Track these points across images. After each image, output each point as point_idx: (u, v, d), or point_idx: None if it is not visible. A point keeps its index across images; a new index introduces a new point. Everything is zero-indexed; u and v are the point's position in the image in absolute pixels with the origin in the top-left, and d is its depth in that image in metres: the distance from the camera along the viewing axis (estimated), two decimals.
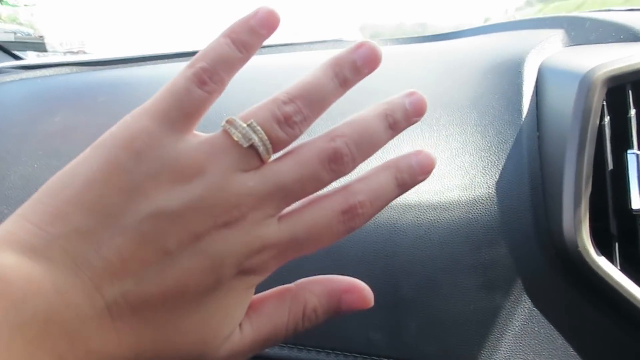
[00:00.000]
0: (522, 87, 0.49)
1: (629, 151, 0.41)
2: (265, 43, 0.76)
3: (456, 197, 0.44)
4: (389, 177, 0.29)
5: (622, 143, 0.42)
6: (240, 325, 0.28)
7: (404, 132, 0.47)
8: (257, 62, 0.68)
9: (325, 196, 0.28)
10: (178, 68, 0.66)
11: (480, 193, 0.44)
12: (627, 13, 0.57)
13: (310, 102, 0.27)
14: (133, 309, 0.24)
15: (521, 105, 0.48)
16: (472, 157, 0.46)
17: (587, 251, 0.40)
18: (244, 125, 0.26)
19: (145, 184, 0.24)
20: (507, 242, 0.43)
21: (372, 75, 0.58)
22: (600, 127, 0.42)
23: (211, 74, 0.26)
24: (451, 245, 0.43)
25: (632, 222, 0.41)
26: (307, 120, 0.27)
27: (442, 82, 0.53)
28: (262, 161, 0.26)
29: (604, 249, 0.41)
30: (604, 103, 0.42)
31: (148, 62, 0.73)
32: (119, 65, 0.72)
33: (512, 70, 0.51)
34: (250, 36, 0.27)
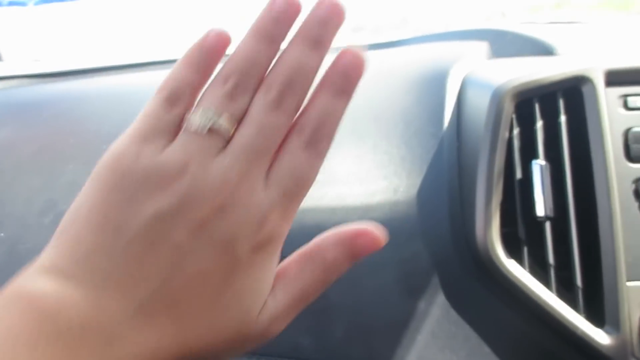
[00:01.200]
0: (445, 99, 0.52)
1: (534, 161, 0.44)
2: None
3: (380, 203, 0.47)
4: (326, 95, 0.30)
5: (531, 153, 0.45)
6: (272, 292, 0.30)
7: (333, 145, 0.49)
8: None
9: (286, 142, 0.30)
10: (128, 80, 0.67)
11: (402, 200, 0.47)
12: (546, 26, 0.60)
13: (246, 70, 0.29)
14: (163, 306, 0.26)
15: (444, 116, 0.51)
16: (396, 167, 0.49)
17: (497, 255, 0.43)
18: (197, 116, 0.28)
19: (139, 195, 0.27)
20: (427, 247, 0.46)
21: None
22: (510, 139, 0.44)
23: (176, 98, 0.29)
24: (376, 253, 0.45)
25: (540, 226, 0.44)
26: (250, 88, 0.29)
27: (374, 91, 0.55)
28: (226, 139, 0.29)
29: (516, 252, 0.44)
30: (514, 116, 0.45)
31: (98, 74, 0.74)
32: (70, 77, 0.73)
33: (437, 82, 0.53)
34: (206, 58, 0.30)
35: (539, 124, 0.45)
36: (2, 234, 0.47)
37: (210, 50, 0.30)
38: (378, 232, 0.31)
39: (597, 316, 0.42)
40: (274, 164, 0.29)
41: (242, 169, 0.28)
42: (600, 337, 0.41)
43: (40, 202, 0.48)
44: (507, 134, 0.44)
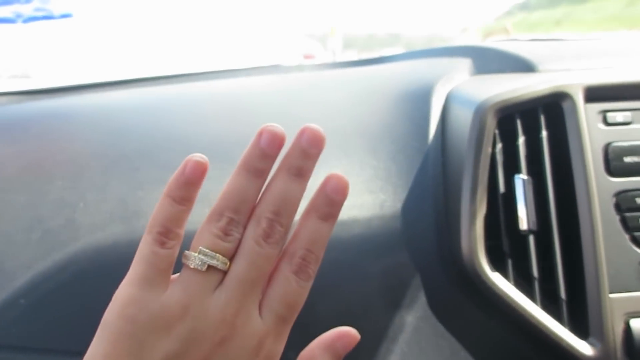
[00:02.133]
0: (429, 115, 0.53)
1: (516, 176, 0.44)
2: (206, 70, 0.77)
3: (366, 217, 0.47)
4: (313, 220, 0.33)
5: (514, 168, 0.45)
6: None
7: (321, 161, 0.50)
8: (190, 90, 0.70)
9: (276, 270, 0.33)
10: (115, 97, 0.68)
11: (388, 214, 0.47)
12: (527, 43, 0.61)
13: (237, 207, 0.32)
14: None
15: (429, 132, 0.52)
16: (382, 182, 0.49)
17: (482, 268, 0.43)
18: (196, 254, 0.31)
19: (147, 340, 0.30)
20: (412, 260, 0.46)
21: (294, 103, 0.61)
22: (493, 153, 0.45)
23: (167, 234, 0.31)
24: (360, 265, 0.46)
25: (524, 240, 0.44)
26: (242, 222, 0.32)
27: (360, 108, 0.56)
28: (223, 273, 0.32)
29: (500, 265, 0.44)
30: (496, 131, 0.45)
31: (85, 91, 0.74)
32: (58, 94, 0.73)
33: (422, 98, 0.54)
34: (186, 190, 0.32)
35: (521, 139, 0.45)
36: None
37: (191, 182, 0.32)
38: (353, 332, 0.35)
39: (581, 328, 0.43)
40: (267, 290, 0.32)
41: (238, 302, 0.31)
42: (585, 348, 0.42)
43: (27, 219, 0.48)
44: (490, 149, 0.45)
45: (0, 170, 0.54)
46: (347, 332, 0.35)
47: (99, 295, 0.45)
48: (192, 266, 0.31)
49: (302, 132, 0.33)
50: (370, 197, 0.48)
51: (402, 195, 0.48)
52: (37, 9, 0.89)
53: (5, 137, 0.58)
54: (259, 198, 0.33)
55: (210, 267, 0.31)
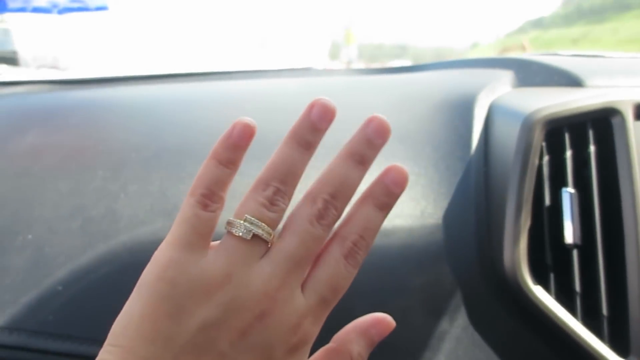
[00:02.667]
0: (472, 124, 0.52)
1: (563, 189, 0.44)
2: (236, 69, 0.77)
3: (407, 224, 0.47)
4: (370, 207, 0.33)
5: (560, 181, 0.45)
6: None
7: None
8: (227, 88, 0.70)
9: (326, 251, 0.32)
10: (150, 90, 0.68)
11: (429, 222, 0.47)
12: (571, 58, 0.61)
13: (284, 177, 0.32)
14: None
15: (471, 141, 0.51)
16: (423, 189, 0.49)
17: (525, 280, 0.43)
18: (242, 222, 0.30)
19: (186, 304, 0.29)
20: (452, 270, 0.46)
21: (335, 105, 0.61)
22: (540, 166, 0.45)
23: (211, 196, 0.31)
24: (401, 271, 0.46)
25: (566, 253, 0.44)
26: (288, 193, 0.32)
27: (400, 114, 0.56)
28: (267, 243, 0.31)
29: (543, 280, 0.44)
30: (544, 144, 0.45)
31: (120, 83, 0.75)
32: (92, 85, 0.74)
33: (465, 108, 0.54)
34: (233, 152, 0.31)
35: (569, 153, 0.45)
36: (30, 236, 0.47)
37: (238, 145, 0.31)
38: (389, 319, 0.34)
39: (621, 345, 0.42)
40: (313, 270, 0.32)
41: (282, 277, 0.30)
42: None
43: (68, 206, 0.48)
44: (536, 161, 0.45)
45: (42, 159, 0.54)
46: (383, 319, 0.34)
47: None
48: (237, 234, 0.30)
49: (370, 121, 0.34)
50: (411, 204, 0.48)
51: (443, 203, 0.48)
52: (73, 0, 0.90)
53: (45, 125, 0.59)
54: (317, 178, 0.33)
55: (254, 236, 0.30)
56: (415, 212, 0.48)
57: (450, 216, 0.48)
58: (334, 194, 0.32)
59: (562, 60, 0.58)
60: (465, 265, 0.46)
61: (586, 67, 0.54)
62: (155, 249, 0.46)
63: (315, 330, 0.32)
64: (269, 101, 0.62)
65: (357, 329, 0.34)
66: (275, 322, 0.30)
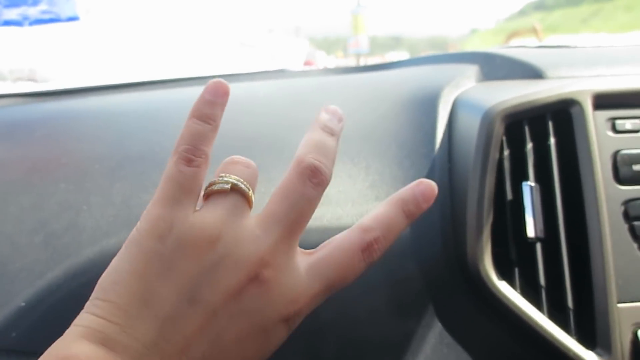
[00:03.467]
0: (437, 121, 0.52)
1: (524, 183, 0.44)
2: (209, 74, 0.77)
3: None
4: (397, 210, 0.34)
5: (522, 175, 0.45)
6: None
7: None
8: (197, 93, 0.70)
9: (345, 237, 0.33)
10: (120, 100, 0.68)
11: None
12: (535, 50, 0.61)
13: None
14: None
15: (435, 138, 0.51)
16: (388, 187, 0.49)
17: (489, 276, 0.43)
18: (220, 178, 0.32)
19: (177, 260, 0.29)
20: (419, 268, 0.46)
21: (300, 106, 0.61)
22: (501, 160, 0.45)
23: (194, 151, 0.31)
24: (366, 272, 0.45)
25: (531, 247, 0.44)
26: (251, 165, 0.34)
27: (367, 113, 0.56)
28: (247, 199, 0.32)
29: (508, 275, 0.44)
30: (504, 137, 0.45)
31: (90, 94, 0.74)
32: (62, 97, 0.73)
33: (429, 104, 0.54)
34: (211, 108, 0.33)
35: (529, 145, 0.45)
36: None
37: (213, 101, 0.33)
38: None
39: (588, 338, 0.42)
40: (326, 252, 0.32)
41: (275, 243, 0.30)
42: (592, 358, 0.41)
43: (31, 221, 0.48)
44: (497, 156, 0.44)
45: (4, 172, 0.53)
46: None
47: None
48: (217, 188, 0.31)
49: (328, 108, 0.37)
50: (376, 203, 0.48)
51: None
52: (44, 12, 0.89)
53: (9, 139, 0.58)
54: (299, 148, 0.34)
55: (235, 189, 0.31)
56: None
57: None
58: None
59: (526, 52, 0.58)
60: (431, 262, 0.46)
61: (549, 58, 0.54)
62: None
63: (307, 311, 0.32)
64: (238, 105, 0.62)
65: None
66: (272, 292, 0.30)
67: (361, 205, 0.48)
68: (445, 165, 0.49)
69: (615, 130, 0.45)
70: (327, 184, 0.33)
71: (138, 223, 0.30)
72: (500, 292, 0.43)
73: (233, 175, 0.32)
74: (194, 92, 0.69)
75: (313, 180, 0.32)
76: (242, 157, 0.34)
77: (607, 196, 0.43)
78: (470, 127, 0.47)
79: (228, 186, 0.31)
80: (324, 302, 0.45)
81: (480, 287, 0.43)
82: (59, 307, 0.45)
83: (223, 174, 0.32)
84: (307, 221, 0.32)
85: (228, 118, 0.58)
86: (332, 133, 0.35)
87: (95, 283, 0.45)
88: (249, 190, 0.32)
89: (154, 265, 0.28)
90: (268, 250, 0.30)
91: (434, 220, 0.47)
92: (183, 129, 0.32)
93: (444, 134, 0.51)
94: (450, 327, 0.45)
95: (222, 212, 0.30)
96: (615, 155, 0.44)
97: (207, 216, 0.30)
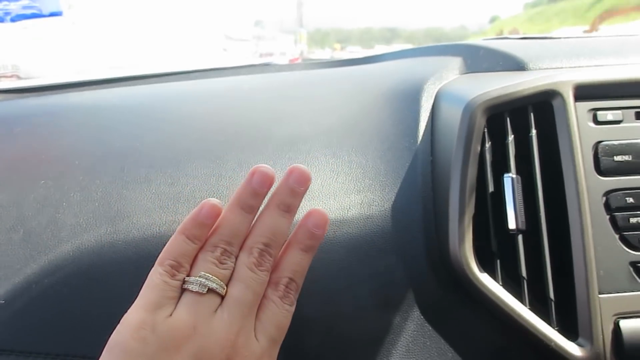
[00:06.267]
0: (419, 114, 0.52)
1: (505, 175, 0.44)
2: (193, 68, 0.76)
3: (354, 217, 0.47)
4: (296, 251, 0.39)
5: (503, 167, 0.45)
6: None
7: (309, 159, 0.49)
8: (180, 88, 0.69)
9: (265, 297, 0.37)
10: (100, 95, 0.67)
11: (376, 214, 0.47)
12: (518, 42, 0.60)
13: (230, 240, 0.37)
14: None
15: (418, 131, 0.51)
16: (370, 180, 0.49)
17: (471, 268, 0.43)
18: (197, 278, 0.35)
19: (159, 357, 0.32)
20: (401, 262, 0.45)
21: (284, 99, 0.60)
22: (482, 152, 0.45)
23: (178, 267, 0.36)
24: (349, 265, 0.45)
25: (513, 239, 0.44)
26: (234, 253, 0.37)
27: (350, 107, 0.55)
28: (221, 296, 0.36)
29: (489, 266, 0.44)
30: (485, 130, 0.45)
31: (75, 89, 0.74)
32: (40, 94, 0.72)
33: (412, 97, 0.54)
34: (200, 229, 0.37)
35: (510, 137, 0.45)
36: None
37: (205, 223, 0.37)
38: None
39: (570, 329, 0.42)
40: (259, 314, 0.37)
41: (239, 322, 0.35)
42: (574, 349, 0.41)
43: (9, 218, 0.47)
44: (479, 148, 0.44)
45: None
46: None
47: (83, 298, 0.45)
48: (194, 290, 0.35)
49: (291, 172, 0.38)
50: (358, 197, 0.48)
51: (390, 194, 0.48)
52: (26, 7, 0.88)
53: None
54: (251, 230, 0.38)
55: (210, 290, 0.35)
56: (363, 204, 0.47)
57: (397, 207, 0.47)
58: (267, 243, 0.37)
59: (509, 44, 0.58)
60: (413, 255, 0.46)
61: (531, 50, 0.53)
62: (99, 255, 0.46)
63: None
64: (220, 100, 0.61)
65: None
66: None
67: (343, 199, 0.48)
68: (428, 158, 0.49)
69: (596, 121, 0.45)
70: (273, 264, 0.38)
71: (119, 326, 0.33)
72: (482, 284, 0.43)
73: (210, 274, 0.36)
74: (176, 87, 0.68)
75: (260, 268, 0.37)
76: (221, 247, 0.37)
77: (589, 187, 0.43)
78: (452, 119, 0.47)
79: (204, 290, 0.35)
80: (307, 298, 0.45)
81: (462, 280, 0.43)
82: (36, 304, 0.44)
83: (203, 273, 0.35)
84: (260, 296, 0.37)
85: (211, 112, 0.58)
86: (287, 210, 0.38)
87: (73, 279, 0.45)
88: (224, 289, 0.36)
89: None
90: (234, 332, 0.34)
91: (416, 213, 0.47)
92: (171, 242, 0.36)
93: (427, 127, 0.51)
94: (432, 320, 0.45)
95: (198, 310, 0.34)
96: (596, 146, 0.44)
97: (184, 317, 0.34)
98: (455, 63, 0.57)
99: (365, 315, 0.45)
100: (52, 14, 0.91)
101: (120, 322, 0.34)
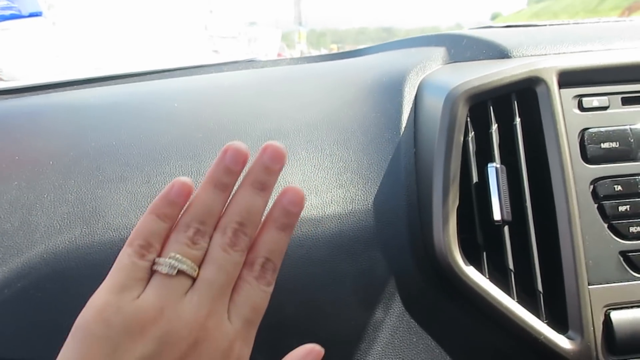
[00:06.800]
0: (402, 105, 0.51)
1: (489, 164, 0.43)
2: (176, 66, 0.74)
3: (336, 212, 0.45)
4: (272, 230, 0.36)
5: (487, 157, 0.44)
6: None
7: (291, 154, 0.48)
8: (160, 86, 0.68)
9: (240, 278, 0.35)
10: (83, 94, 0.65)
11: (359, 209, 0.45)
12: (502, 30, 0.59)
13: (204, 219, 0.35)
14: None
15: (400, 122, 0.50)
16: (353, 175, 0.47)
17: (456, 261, 0.42)
18: (167, 259, 0.33)
19: (123, 341, 0.30)
20: (385, 257, 0.44)
21: (265, 95, 0.59)
22: (465, 142, 0.44)
23: (147, 247, 0.34)
24: (331, 262, 0.44)
25: (499, 231, 0.43)
26: (208, 233, 0.35)
27: (332, 100, 0.54)
28: (192, 278, 0.34)
29: (475, 258, 0.43)
30: (468, 119, 0.44)
31: (53, 89, 0.72)
32: (23, 94, 0.71)
33: (394, 89, 0.52)
34: (171, 208, 0.35)
35: (494, 127, 0.44)
36: None
37: (175, 202, 0.35)
38: (318, 347, 0.37)
39: (559, 321, 0.41)
40: (233, 296, 0.35)
41: (209, 304, 0.33)
42: (564, 342, 0.40)
43: None
44: (461, 138, 0.43)
45: None
46: (313, 348, 0.37)
47: (57, 302, 0.43)
48: (163, 271, 0.33)
49: (265, 149, 0.36)
50: (340, 192, 0.46)
51: (373, 188, 0.46)
52: (4, 8, 0.86)
53: None
54: (224, 209, 0.36)
55: (180, 272, 0.33)
56: (345, 199, 0.46)
57: (380, 201, 0.46)
58: (241, 222, 0.35)
59: (493, 32, 0.57)
60: (397, 250, 0.44)
61: (515, 38, 0.52)
62: (74, 258, 0.44)
63: (246, 352, 0.35)
64: (200, 97, 0.60)
65: None
66: (209, 348, 0.32)
67: (326, 194, 0.46)
68: (411, 150, 0.48)
69: (582, 107, 0.44)
70: (249, 245, 0.36)
71: (84, 309, 0.32)
72: (468, 277, 0.41)
73: (182, 255, 0.34)
74: (156, 85, 0.67)
75: (235, 248, 0.35)
76: (194, 226, 0.35)
77: (575, 175, 0.42)
78: (434, 109, 0.46)
79: (174, 272, 0.33)
80: (287, 295, 0.44)
81: (448, 273, 0.42)
82: (5, 308, 0.43)
83: (173, 254, 0.33)
84: (235, 278, 0.35)
85: (190, 109, 0.57)
86: (263, 188, 0.36)
87: (46, 283, 0.44)
88: (195, 271, 0.34)
89: (100, 348, 0.30)
90: (203, 314, 0.33)
91: (399, 206, 0.46)
92: (141, 222, 0.35)
93: (409, 119, 0.50)
94: (418, 316, 0.44)
95: (166, 293, 0.33)
96: (582, 133, 0.43)
97: (152, 299, 0.32)
98: (438, 53, 0.56)
99: (348, 313, 0.43)
100: (32, 15, 0.89)
101: (86, 304, 0.32)
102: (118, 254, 0.43)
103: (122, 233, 0.44)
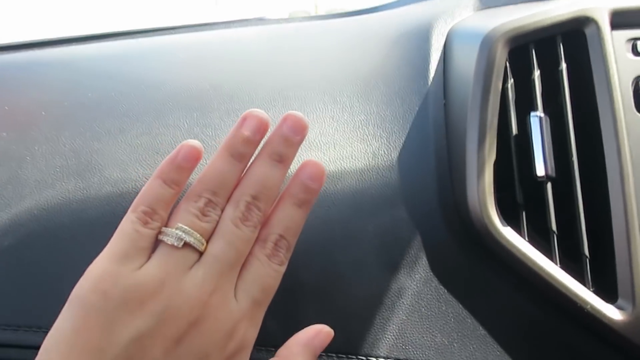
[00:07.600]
0: (429, 54, 0.46)
1: (532, 114, 0.38)
2: (182, 23, 0.69)
3: (357, 168, 0.41)
4: (288, 206, 0.34)
5: (528, 107, 0.39)
6: None
7: (307, 107, 0.44)
8: (172, 39, 0.63)
9: (250, 254, 0.33)
10: (84, 48, 0.61)
11: (382, 164, 0.41)
12: None
13: (216, 189, 0.33)
14: None
15: (428, 72, 0.45)
16: (375, 128, 0.43)
17: (492, 222, 0.37)
18: (174, 230, 0.31)
19: (119, 315, 0.29)
20: (410, 216, 0.40)
21: (278, 49, 0.54)
22: (504, 90, 0.39)
23: (152, 214, 0.32)
24: (352, 220, 0.40)
25: (539, 190, 0.38)
26: (220, 205, 0.33)
27: (350, 54, 0.50)
28: (199, 252, 0.32)
29: (512, 220, 0.38)
30: (507, 64, 0.39)
31: (40, 47, 0.68)
32: (19, 50, 0.67)
33: (420, 38, 0.48)
34: (178, 173, 0.33)
35: (537, 72, 0.39)
36: None
37: (183, 166, 0.33)
38: (327, 329, 0.35)
39: (607, 289, 0.37)
40: (242, 273, 0.33)
41: (215, 281, 0.31)
42: (612, 312, 0.36)
43: None
44: (500, 85, 0.38)
45: None
46: (322, 328, 0.35)
47: (47, 263, 0.39)
48: (168, 242, 0.31)
49: (285, 119, 0.34)
50: (361, 146, 0.42)
51: (398, 142, 0.42)
52: None
53: None
54: (241, 181, 0.34)
55: (186, 244, 0.31)
56: (366, 153, 0.42)
57: (406, 156, 0.41)
58: (255, 196, 0.33)
59: None
60: (424, 209, 0.40)
61: None
62: (67, 214, 0.40)
63: (253, 334, 0.33)
64: (207, 49, 0.55)
65: (300, 342, 0.34)
66: (210, 328, 0.30)
67: (345, 148, 0.42)
68: (440, 102, 0.43)
69: (636, 52, 0.39)
70: (262, 220, 0.33)
71: (82, 278, 0.30)
72: (505, 239, 0.37)
73: (190, 227, 0.31)
74: (160, 40, 0.62)
75: (246, 223, 0.32)
76: (205, 196, 0.33)
77: (628, 127, 0.37)
78: (468, 56, 0.41)
79: (180, 244, 0.31)
80: (304, 258, 0.40)
81: (483, 235, 0.37)
82: None
83: (181, 225, 0.31)
84: (245, 255, 0.33)
85: (196, 60, 0.52)
86: (281, 160, 0.34)
87: (36, 240, 0.40)
88: (203, 245, 0.32)
89: (96, 320, 0.28)
90: (207, 291, 0.30)
91: (427, 162, 0.41)
92: (146, 188, 0.32)
93: (438, 68, 0.45)
94: (448, 282, 0.39)
95: (170, 266, 0.30)
96: (636, 80, 0.39)
97: (153, 271, 0.30)
98: (468, 1, 0.51)
99: (370, 278, 0.39)
100: None
101: (85, 273, 0.30)
102: (115, 210, 0.40)
103: (120, 187, 0.40)
